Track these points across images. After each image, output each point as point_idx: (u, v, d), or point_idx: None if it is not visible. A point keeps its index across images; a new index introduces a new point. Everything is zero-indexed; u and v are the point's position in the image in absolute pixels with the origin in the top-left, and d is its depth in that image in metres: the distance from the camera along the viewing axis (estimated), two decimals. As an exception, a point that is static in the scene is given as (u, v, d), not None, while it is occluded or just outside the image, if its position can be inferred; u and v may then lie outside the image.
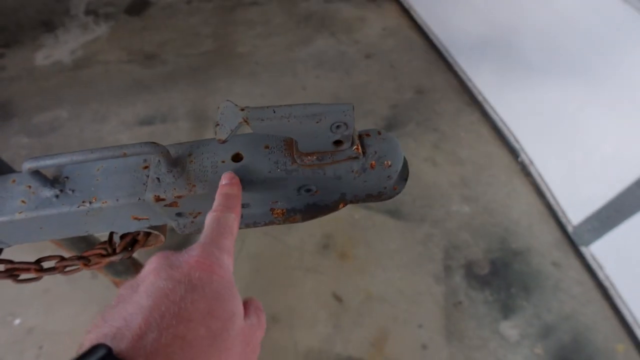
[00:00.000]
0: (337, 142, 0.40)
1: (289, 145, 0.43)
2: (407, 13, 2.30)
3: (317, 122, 0.37)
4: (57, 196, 0.43)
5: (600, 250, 1.36)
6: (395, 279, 1.35)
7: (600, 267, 1.33)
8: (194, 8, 2.35)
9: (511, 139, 1.69)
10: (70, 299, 1.32)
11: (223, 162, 0.43)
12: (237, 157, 0.43)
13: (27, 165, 0.38)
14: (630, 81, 1.15)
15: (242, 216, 0.45)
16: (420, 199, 1.54)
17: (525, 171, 1.64)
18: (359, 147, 0.42)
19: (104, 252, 0.54)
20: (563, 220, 1.48)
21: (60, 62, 2.08)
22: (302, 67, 2.00)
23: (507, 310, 1.29)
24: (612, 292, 1.29)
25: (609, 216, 1.28)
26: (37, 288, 1.33)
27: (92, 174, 0.45)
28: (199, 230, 0.47)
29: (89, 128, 1.78)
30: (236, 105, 0.35)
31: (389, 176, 0.45)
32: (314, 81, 1.94)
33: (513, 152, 1.69)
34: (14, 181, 0.45)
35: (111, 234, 0.53)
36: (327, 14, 2.30)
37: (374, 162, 0.43)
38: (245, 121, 0.35)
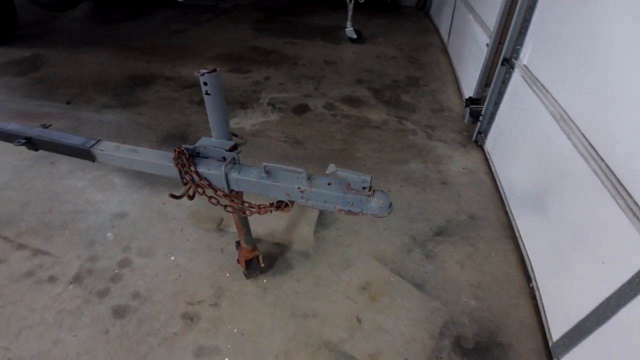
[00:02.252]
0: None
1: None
2: (486, 161, 3.00)
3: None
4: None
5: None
6: (401, 324, 1.92)
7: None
8: (336, 120, 3.40)
9: (529, 269, 2.20)
10: (205, 258, 2.16)
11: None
12: None
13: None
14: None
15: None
16: (441, 285, 2.12)
17: (532, 294, 2.11)
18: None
19: (269, 208, 1.34)
20: (547, 336, 1.91)
21: (244, 129, 3.22)
22: (393, 177, 2.80)
23: (473, 375, 1.76)
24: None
25: (575, 335, 1.72)
26: (188, 247, 2.21)
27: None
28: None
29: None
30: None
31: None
32: (397, 189, 2.71)
33: (528, 278, 2.18)
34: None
35: (277, 201, 1.34)
36: (426, 147, 3.13)
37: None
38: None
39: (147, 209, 2.47)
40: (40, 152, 1.78)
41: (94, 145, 1.58)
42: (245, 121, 3.33)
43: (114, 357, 1.73)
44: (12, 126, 1.79)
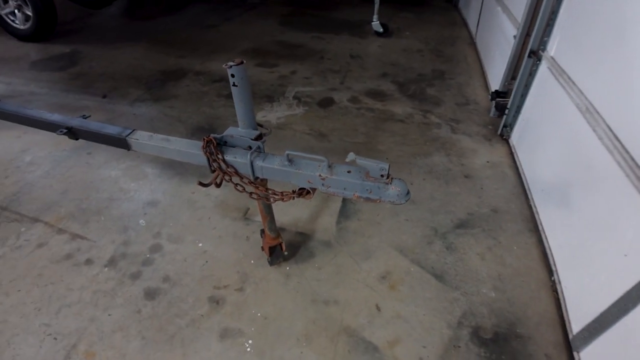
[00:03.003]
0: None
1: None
2: (511, 154, 2.98)
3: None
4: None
5: (587, 356, 1.77)
6: (420, 313, 1.96)
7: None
8: (360, 113, 3.44)
9: (551, 262, 2.19)
10: (231, 245, 2.25)
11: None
12: None
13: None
14: None
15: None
16: (461, 276, 2.14)
17: (553, 287, 2.11)
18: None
19: (292, 195, 1.41)
20: (568, 329, 1.91)
21: (269, 121, 3.30)
22: (416, 170, 2.82)
23: (490, 363, 1.78)
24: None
25: (595, 327, 1.72)
26: (215, 234, 2.31)
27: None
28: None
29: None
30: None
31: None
32: (420, 181, 2.73)
33: (550, 272, 2.17)
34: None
35: (299, 188, 1.40)
36: (450, 141, 3.13)
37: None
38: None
39: (177, 198, 2.58)
40: (78, 143, 1.90)
41: (129, 134, 1.68)
42: (271, 114, 3.41)
43: (145, 335, 1.84)
44: (55, 117, 1.92)
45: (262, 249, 2.13)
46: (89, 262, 2.19)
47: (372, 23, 5.02)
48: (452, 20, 5.81)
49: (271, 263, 2.12)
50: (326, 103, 3.60)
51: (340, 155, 2.93)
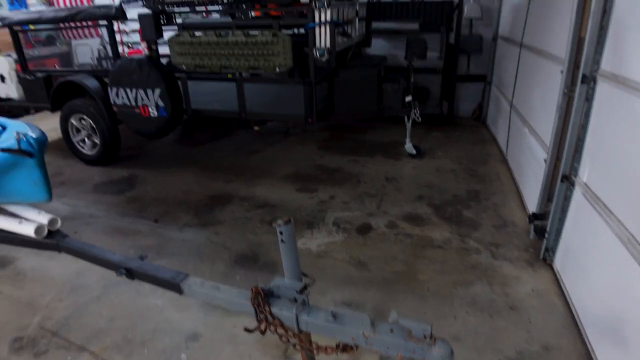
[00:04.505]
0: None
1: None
2: (557, 281, 2.89)
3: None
4: None
5: None
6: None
7: None
8: (398, 240, 3.51)
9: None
10: None
11: None
12: None
13: None
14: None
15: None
16: None
17: None
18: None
19: (335, 350, 1.44)
20: None
21: (309, 249, 3.41)
22: (458, 302, 2.77)
23: None
24: None
25: None
26: None
27: None
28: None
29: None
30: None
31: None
32: (463, 315, 2.66)
33: None
34: None
35: (343, 343, 1.43)
36: (491, 267, 3.10)
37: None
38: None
39: (218, 332, 2.61)
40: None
41: (182, 280, 1.81)
42: (311, 242, 3.53)
43: None
44: (116, 257, 2.10)
45: (303, 391, 2.09)
46: (129, 401, 2.20)
47: (405, 145, 5.31)
48: (482, 137, 6.05)
49: (312, 408, 2.06)
50: (364, 229, 3.71)
51: (380, 286, 2.94)
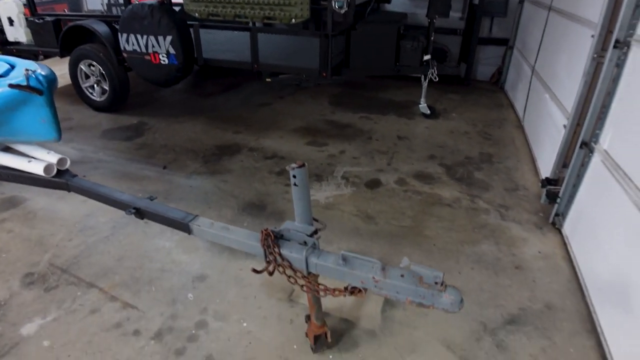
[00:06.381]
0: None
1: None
2: (564, 245, 2.88)
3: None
4: None
5: None
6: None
7: None
8: (407, 196, 3.48)
9: (613, 373, 2.03)
10: (275, 327, 2.25)
11: None
12: None
13: None
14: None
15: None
16: (514, 380, 2.02)
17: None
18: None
19: (343, 292, 1.44)
20: None
21: (317, 200, 3.40)
22: (464, 259, 2.77)
23: None
24: None
25: None
26: (260, 314, 2.32)
27: None
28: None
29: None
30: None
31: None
32: (468, 271, 2.67)
33: (612, 383, 2.01)
34: None
35: (352, 286, 1.43)
36: (499, 228, 3.08)
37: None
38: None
39: (225, 274, 2.65)
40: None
41: (191, 220, 1.80)
42: (319, 194, 3.52)
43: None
44: (125, 196, 2.10)
45: (306, 334, 2.13)
46: (136, 333, 2.26)
47: (420, 105, 5.20)
48: (499, 102, 5.90)
49: (315, 351, 2.10)
50: (373, 184, 3.68)
51: (387, 240, 2.95)
